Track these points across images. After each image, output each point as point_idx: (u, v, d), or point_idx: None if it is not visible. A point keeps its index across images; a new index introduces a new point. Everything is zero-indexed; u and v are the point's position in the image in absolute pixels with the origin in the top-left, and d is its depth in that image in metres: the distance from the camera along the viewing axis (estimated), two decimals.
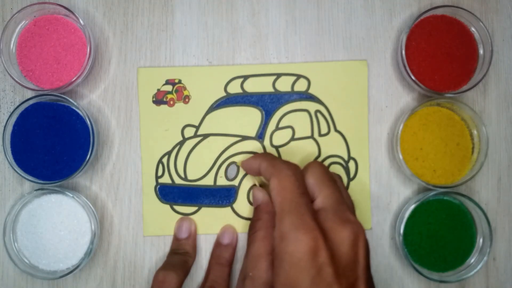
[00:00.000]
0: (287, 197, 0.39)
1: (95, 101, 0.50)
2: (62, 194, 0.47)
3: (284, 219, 0.37)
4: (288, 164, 0.41)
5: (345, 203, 0.39)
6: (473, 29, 0.48)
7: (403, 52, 0.47)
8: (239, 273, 0.46)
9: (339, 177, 0.47)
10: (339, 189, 0.41)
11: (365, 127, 0.50)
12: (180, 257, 0.47)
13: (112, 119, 0.50)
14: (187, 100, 0.50)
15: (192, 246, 0.48)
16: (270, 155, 0.45)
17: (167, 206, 0.49)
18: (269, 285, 0.38)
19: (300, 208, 0.38)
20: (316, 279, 0.35)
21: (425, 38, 0.48)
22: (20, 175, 0.47)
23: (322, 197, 0.39)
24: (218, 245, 0.48)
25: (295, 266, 0.35)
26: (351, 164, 0.49)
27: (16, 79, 0.46)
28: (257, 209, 0.44)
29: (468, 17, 0.48)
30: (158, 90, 0.50)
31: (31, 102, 0.47)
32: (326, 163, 0.49)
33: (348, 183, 0.49)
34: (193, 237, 0.48)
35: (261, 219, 0.43)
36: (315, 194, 0.40)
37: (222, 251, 0.48)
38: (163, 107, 0.50)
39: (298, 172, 0.41)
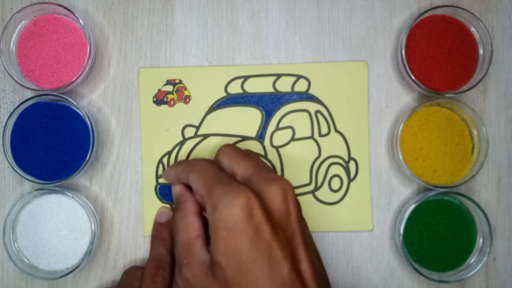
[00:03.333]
0: (209, 176, 0.39)
1: (95, 101, 0.50)
2: (62, 194, 0.47)
3: (213, 191, 0.37)
4: (202, 158, 0.43)
5: (265, 167, 0.40)
6: (473, 29, 0.48)
7: (403, 52, 0.47)
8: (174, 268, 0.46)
9: (251, 151, 0.47)
10: (256, 159, 0.41)
11: (365, 127, 0.50)
12: (163, 245, 0.46)
13: (112, 119, 0.50)
14: (187, 100, 0.50)
15: (171, 230, 0.48)
16: (184, 161, 0.46)
17: (167, 206, 0.49)
18: (207, 264, 0.38)
19: (224, 178, 0.38)
20: (254, 239, 0.35)
21: (425, 38, 0.48)
22: (20, 175, 0.47)
23: (241, 171, 0.40)
24: (155, 225, 0.48)
25: (232, 230, 0.35)
26: (352, 165, 0.49)
27: (16, 79, 0.46)
28: (176, 201, 0.45)
29: (468, 17, 0.48)
30: (159, 90, 0.50)
31: (31, 102, 0.47)
32: (326, 163, 0.49)
33: (349, 184, 0.49)
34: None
35: (180, 207, 0.43)
36: (234, 171, 0.41)
37: (161, 228, 0.48)
38: (164, 107, 0.50)
39: (213, 161, 0.42)
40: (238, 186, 0.37)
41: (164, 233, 0.47)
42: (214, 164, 0.41)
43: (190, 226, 0.40)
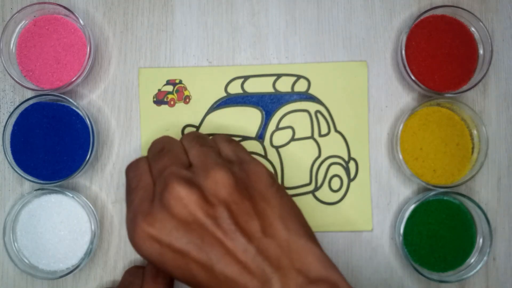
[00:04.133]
0: (126, 198, 0.39)
1: (95, 101, 0.50)
2: (62, 194, 0.47)
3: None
4: (131, 163, 0.41)
5: (169, 167, 0.37)
6: (473, 29, 0.48)
7: (403, 52, 0.47)
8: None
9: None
10: (165, 154, 0.39)
11: (365, 127, 0.50)
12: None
13: (112, 119, 0.50)
14: (187, 100, 0.50)
15: None
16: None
17: None
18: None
19: (131, 206, 0.37)
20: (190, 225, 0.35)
21: (425, 38, 0.48)
22: (20, 175, 0.47)
23: (190, 158, 0.39)
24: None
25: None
26: (352, 165, 0.49)
27: (16, 79, 0.46)
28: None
29: (468, 17, 0.48)
30: (159, 90, 0.50)
31: (31, 102, 0.47)
32: (327, 163, 0.49)
33: (349, 184, 0.49)
34: None
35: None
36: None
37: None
38: (164, 107, 0.50)
39: (138, 167, 0.40)
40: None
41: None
42: (174, 155, 0.40)
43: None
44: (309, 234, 0.37)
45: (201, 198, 0.35)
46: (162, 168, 0.38)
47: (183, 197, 0.35)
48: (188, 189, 0.35)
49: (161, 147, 0.41)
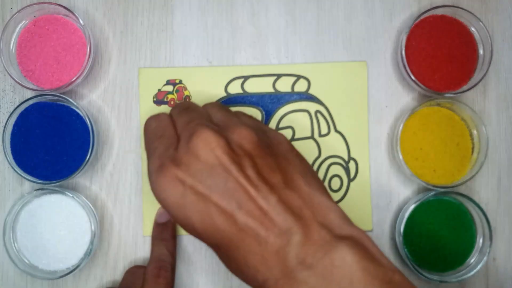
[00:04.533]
0: (147, 146, 0.40)
1: (95, 101, 0.50)
2: (62, 194, 0.47)
3: (147, 165, 0.38)
4: (152, 116, 0.42)
5: (196, 119, 0.38)
6: (473, 29, 0.48)
7: (403, 52, 0.47)
8: None
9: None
10: (192, 111, 0.40)
11: (365, 127, 0.50)
12: (164, 246, 0.46)
13: (112, 119, 0.50)
14: (187, 100, 0.50)
15: (172, 230, 0.48)
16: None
17: None
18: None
19: (156, 152, 0.38)
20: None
21: (425, 38, 0.48)
22: (20, 175, 0.47)
23: (177, 131, 0.39)
24: (155, 226, 0.48)
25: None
26: (352, 165, 0.49)
27: (16, 79, 0.46)
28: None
29: (468, 17, 0.48)
30: (159, 90, 0.50)
31: (31, 102, 0.47)
32: (327, 163, 0.49)
33: (349, 184, 0.49)
34: (171, 221, 0.48)
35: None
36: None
37: (162, 229, 0.48)
38: (164, 107, 0.50)
39: (160, 119, 0.41)
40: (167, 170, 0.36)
41: (165, 234, 0.47)
42: (158, 126, 0.40)
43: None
44: (329, 194, 0.37)
45: (228, 145, 0.35)
46: (189, 121, 0.38)
47: (211, 141, 0.35)
48: (216, 135, 0.35)
49: (186, 106, 0.41)
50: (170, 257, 0.46)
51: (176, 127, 0.39)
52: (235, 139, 0.36)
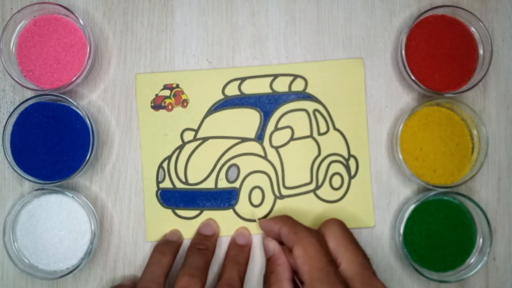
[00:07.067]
0: (315, 266, 0.39)
1: (95, 101, 0.50)
2: (61, 194, 0.47)
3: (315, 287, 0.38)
4: (311, 231, 0.42)
5: (370, 268, 0.40)
6: (473, 29, 0.48)
7: (403, 52, 0.47)
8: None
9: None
10: (361, 250, 0.41)
11: (364, 124, 0.50)
12: (202, 257, 0.46)
13: (112, 119, 0.50)
14: (185, 104, 0.50)
15: (214, 245, 0.48)
16: (290, 219, 0.45)
17: (169, 211, 0.49)
18: None
19: (330, 278, 0.38)
20: None
21: (425, 38, 0.48)
22: (20, 175, 0.47)
23: (346, 263, 0.40)
24: (234, 245, 0.48)
25: None
26: (352, 162, 0.49)
27: (16, 79, 0.46)
28: (269, 261, 0.45)
29: (468, 17, 0.48)
30: (156, 95, 0.50)
31: (31, 102, 0.47)
32: (327, 161, 0.49)
33: (350, 181, 0.49)
34: (216, 236, 0.48)
35: (274, 272, 0.43)
36: (338, 259, 0.41)
37: (239, 251, 0.47)
38: (162, 112, 0.50)
39: (321, 239, 0.42)
40: None
41: (241, 257, 0.47)
42: (322, 246, 0.41)
43: None
44: None
45: None
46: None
47: None
48: None
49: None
50: (239, 284, 0.45)
51: None
52: None
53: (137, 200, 0.49)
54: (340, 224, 0.43)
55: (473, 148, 0.48)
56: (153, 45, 0.50)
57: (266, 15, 0.50)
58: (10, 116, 0.47)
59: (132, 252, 0.49)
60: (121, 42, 0.50)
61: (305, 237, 0.41)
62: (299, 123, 0.49)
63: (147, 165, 0.49)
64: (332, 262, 0.40)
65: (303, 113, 0.49)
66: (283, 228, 0.43)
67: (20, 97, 0.50)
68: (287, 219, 0.45)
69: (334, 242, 0.41)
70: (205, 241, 0.47)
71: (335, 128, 0.50)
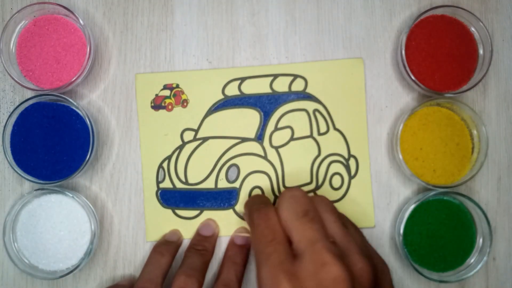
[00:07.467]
0: (258, 249, 0.39)
1: (95, 101, 0.50)
2: (61, 194, 0.47)
3: (259, 272, 0.37)
4: (259, 210, 0.41)
5: (321, 240, 0.37)
6: (473, 29, 0.48)
7: (403, 52, 0.47)
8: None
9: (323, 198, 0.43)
10: (313, 222, 0.39)
11: (364, 124, 0.50)
12: (200, 257, 0.46)
13: (112, 119, 0.50)
14: (185, 104, 0.50)
15: (213, 246, 0.48)
16: (251, 201, 0.44)
17: (169, 211, 0.49)
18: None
19: (269, 260, 0.37)
20: None
21: (425, 38, 0.48)
22: (20, 175, 0.47)
23: (295, 240, 0.38)
24: (232, 246, 0.48)
25: None
26: (352, 162, 0.49)
27: (16, 79, 0.46)
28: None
29: (468, 17, 0.48)
30: (156, 95, 0.50)
31: (31, 102, 0.47)
32: (327, 161, 0.49)
33: (350, 181, 0.49)
34: (215, 237, 0.48)
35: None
36: (289, 234, 0.39)
37: (237, 252, 0.47)
38: (162, 112, 0.50)
39: (269, 218, 0.40)
40: (280, 280, 0.36)
41: (239, 258, 0.47)
42: (268, 226, 0.39)
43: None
44: None
45: (351, 282, 0.36)
46: (313, 239, 0.37)
47: (340, 281, 0.35)
48: (346, 274, 0.36)
49: (304, 210, 0.39)
50: (236, 284, 0.44)
51: (289, 230, 0.39)
52: (356, 273, 0.37)
53: (137, 200, 0.49)
54: (292, 195, 0.41)
55: (473, 148, 0.48)
56: (153, 45, 0.50)
57: (266, 15, 0.50)
58: (10, 116, 0.47)
59: (132, 252, 0.49)
60: (121, 42, 0.50)
61: (253, 219, 0.41)
62: (299, 123, 0.49)
63: (147, 165, 0.49)
64: (274, 241, 0.38)
65: (303, 113, 0.49)
66: (245, 214, 0.44)
67: (20, 97, 0.50)
68: (248, 203, 0.44)
69: (284, 215, 0.39)
70: (203, 242, 0.47)
71: (335, 128, 0.50)
